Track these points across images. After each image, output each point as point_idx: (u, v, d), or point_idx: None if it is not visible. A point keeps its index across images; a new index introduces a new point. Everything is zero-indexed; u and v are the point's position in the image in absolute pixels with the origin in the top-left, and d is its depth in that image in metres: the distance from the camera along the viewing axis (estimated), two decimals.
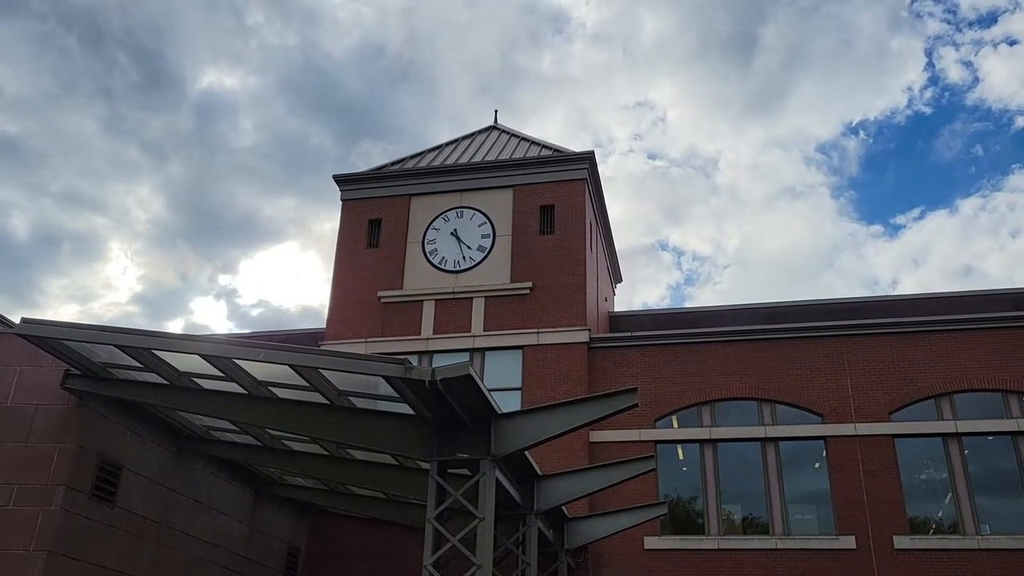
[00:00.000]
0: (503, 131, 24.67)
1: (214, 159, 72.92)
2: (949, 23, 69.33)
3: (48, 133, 67.84)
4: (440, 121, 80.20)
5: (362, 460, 13.71)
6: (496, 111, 26.76)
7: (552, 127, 76.42)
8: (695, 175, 73.56)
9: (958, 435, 17.29)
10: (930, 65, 69.61)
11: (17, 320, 11.46)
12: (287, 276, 74.68)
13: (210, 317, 75.71)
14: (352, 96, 75.00)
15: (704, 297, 71.35)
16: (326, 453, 13.81)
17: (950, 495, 16.98)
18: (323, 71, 72.68)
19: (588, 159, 21.36)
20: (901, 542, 16.40)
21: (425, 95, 76.05)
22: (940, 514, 16.99)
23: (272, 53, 71.43)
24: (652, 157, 75.89)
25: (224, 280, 76.10)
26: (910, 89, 69.72)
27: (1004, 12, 64.08)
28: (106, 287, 72.01)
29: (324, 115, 75.63)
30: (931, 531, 16.76)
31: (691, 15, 69.81)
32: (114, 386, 11.87)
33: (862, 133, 72.29)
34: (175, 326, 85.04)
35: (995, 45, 65.42)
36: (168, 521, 13.64)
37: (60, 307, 74.68)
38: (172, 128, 70.38)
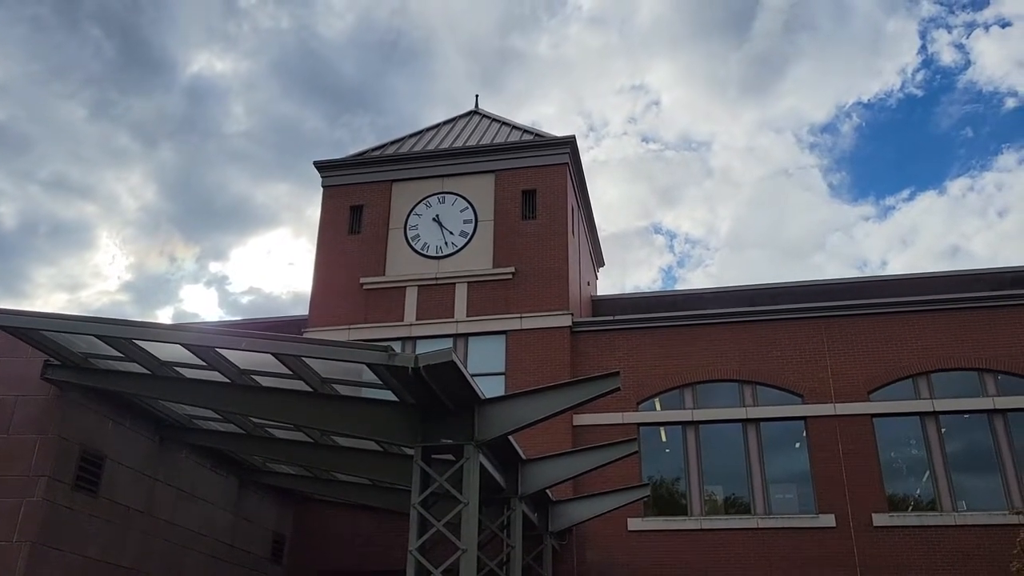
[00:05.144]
0: (484, 116, 24.60)
1: (206, 145, 72.21)
2: (942, 4, 69.47)
3: (34, 118, 66.75)
4: (435, 105, 79.82)
5: (347, 447, 13.73)
6: (477, 96, 26.77)
7: (547, 110, 76.29)
8: (689, 158, 73.73)
9: (935, 414, 17.54)
10: (923, 48, 69.92)
11: None
12: (279, 263, 74.18)
13: (200, 305, 75.13)
14: (346, 80, 74.37)
15: (695, 280, 71.43)
16: (310, 440, 13.81)
17: (928, 473, 17.24)
18: (317, 55, 71.93)
19: (569, 143, 21.35)
20: (880, 519, 16.65)
21: (420, 78, 75.60)
22: (918, 492, 17.25)
23: (265, 36, 70.64)
24: (646, 140, 75.95)
25: (215, 268, 75.54)
26: (903, 71, 70.04)
27: None
28: (95, 276, 71.33)
29: (318, 99, 74.97)
30: (909, 508, 17.01)
31: None
32: (95, 376, 11.82)
33: (855, 115, 72.60)
34: (165, 315, 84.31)
35: (987, 27, 65.71)
36: (152, 510, 13.61)
37: (48, 296, 73.89)
38: (163, 113, 69.51)
